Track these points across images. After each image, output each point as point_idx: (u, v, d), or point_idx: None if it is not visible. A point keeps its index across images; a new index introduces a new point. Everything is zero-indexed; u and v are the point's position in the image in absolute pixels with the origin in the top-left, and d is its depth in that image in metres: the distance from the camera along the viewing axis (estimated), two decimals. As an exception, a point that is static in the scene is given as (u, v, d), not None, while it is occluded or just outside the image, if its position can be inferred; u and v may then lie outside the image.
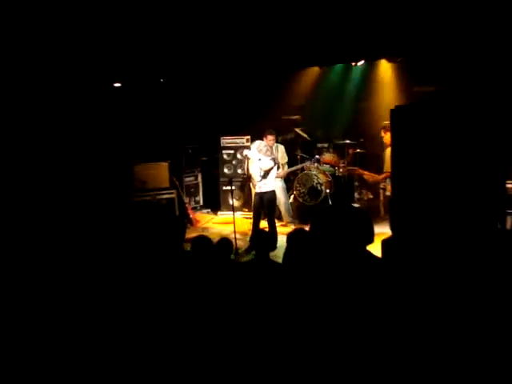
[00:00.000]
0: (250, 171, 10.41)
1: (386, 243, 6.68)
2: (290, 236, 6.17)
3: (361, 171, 12.04)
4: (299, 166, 12.35)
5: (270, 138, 10.48)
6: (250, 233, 10.43)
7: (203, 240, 6.10)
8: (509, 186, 8.19)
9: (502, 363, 4.68)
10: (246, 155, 10.28)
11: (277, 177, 10.67)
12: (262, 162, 9.98)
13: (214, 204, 14.12)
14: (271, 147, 10.36)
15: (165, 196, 12.64)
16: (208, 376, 4.80)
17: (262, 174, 9.97)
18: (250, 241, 9.96)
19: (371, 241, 6.80)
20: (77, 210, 10.61)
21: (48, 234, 9.31)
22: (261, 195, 10.11)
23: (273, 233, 9.93)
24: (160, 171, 12.83)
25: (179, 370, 4.93)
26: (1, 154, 9.91)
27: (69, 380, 5.11)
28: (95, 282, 6.54)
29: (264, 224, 10.41)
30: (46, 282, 7.01)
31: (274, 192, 10.16)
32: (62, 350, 5.47)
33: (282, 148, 12.13)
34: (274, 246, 8.76)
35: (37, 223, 9.63)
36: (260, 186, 10.08)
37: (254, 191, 10.62)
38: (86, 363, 5.24)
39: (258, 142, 10.28)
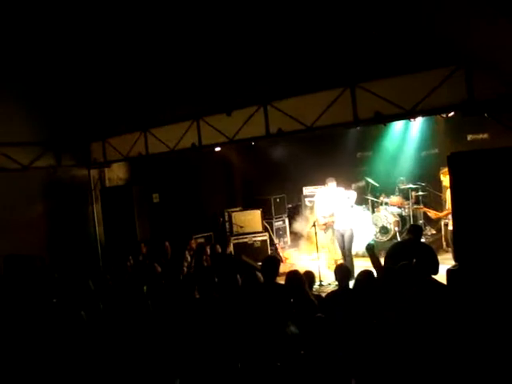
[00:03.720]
0: (316, 213, 10.58)
1: (451, 272, 6.52)
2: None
3: (425, 209, 11.83)
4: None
5: (329, 183, 10.55)
6: (332, 267, 10.35)
7: (295, 274, 6.11)
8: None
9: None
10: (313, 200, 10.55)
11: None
12: (338, 204, 10.16)
13: (300, 243, 14.10)
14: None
15: (259, 238, 12.79)
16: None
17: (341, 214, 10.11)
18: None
19: (436, 272, 6.65)
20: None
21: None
22: (342, 233, 10.14)
23: (351, 265, 9.86)
24: (254, 217, 13.08)
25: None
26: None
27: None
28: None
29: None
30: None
31: (351, 229, 10.14)
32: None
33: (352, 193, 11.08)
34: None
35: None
36: (340, 224, 10.15)
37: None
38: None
39: (324, 189, 10.80)
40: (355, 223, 10.50)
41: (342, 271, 6.26)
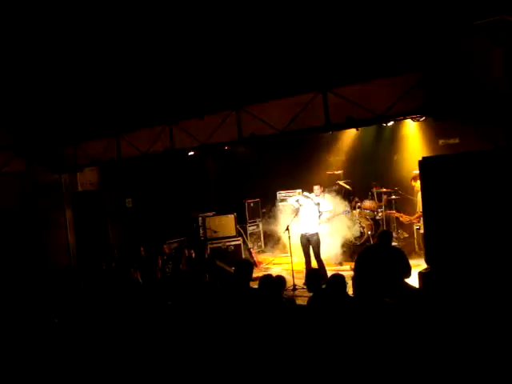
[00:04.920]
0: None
1: (422, 275, 6.60)
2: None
3: (397, 214, 11.96)
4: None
5: (316, 188, 10.55)
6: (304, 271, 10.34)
7: (268, 279, 6.13)
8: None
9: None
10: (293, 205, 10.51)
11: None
12: (308, 208, 10.12)
13: (274, 248, 14.14)
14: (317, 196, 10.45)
15: (232, 243, 12.77)
16: None
17: (308, 218, 10.09)
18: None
19: (409, 275, 6.73)
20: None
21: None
22: (307, 237, 10.11)
23: (322, 269, 9.85)
24: (228, 222, 13.05)
25: None
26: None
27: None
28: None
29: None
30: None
31: (317, 234, 10.13)
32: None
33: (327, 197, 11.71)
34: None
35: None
36: (306, 229, 10.11)
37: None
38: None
39: (304, 194, 10.69)
40: (321, 228, 10.49)
41: (313, 275, 6.29)
